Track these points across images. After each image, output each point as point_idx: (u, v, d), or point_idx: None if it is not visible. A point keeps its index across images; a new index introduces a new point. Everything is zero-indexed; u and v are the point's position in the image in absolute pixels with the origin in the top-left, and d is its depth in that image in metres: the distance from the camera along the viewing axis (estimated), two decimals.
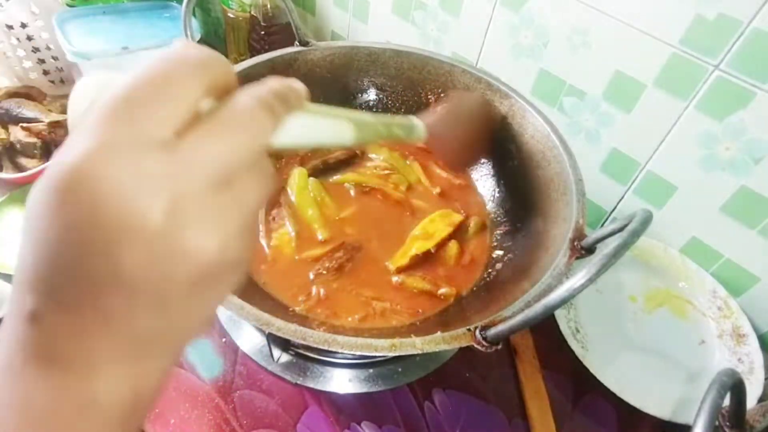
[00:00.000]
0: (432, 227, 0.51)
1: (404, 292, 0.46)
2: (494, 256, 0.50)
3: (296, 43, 0.55)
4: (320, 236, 0.50)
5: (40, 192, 0.15)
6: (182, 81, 0.16)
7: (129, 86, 0.16)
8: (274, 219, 0.51)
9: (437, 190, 0.56)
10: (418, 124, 0.36)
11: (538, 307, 0.28)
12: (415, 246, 0.49)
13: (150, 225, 0.15)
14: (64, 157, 0.15)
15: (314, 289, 0.45)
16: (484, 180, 0.57)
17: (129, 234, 0.15)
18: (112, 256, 0.15)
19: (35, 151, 0.64)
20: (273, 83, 0.19)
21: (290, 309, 0.44)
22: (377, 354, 0.31)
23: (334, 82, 0.59)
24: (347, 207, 0.53)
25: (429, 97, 0.59)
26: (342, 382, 0.47)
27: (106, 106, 0.15)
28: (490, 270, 0.49)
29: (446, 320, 0.44)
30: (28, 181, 0.62)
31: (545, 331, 0.52)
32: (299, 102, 0.20)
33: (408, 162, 0.59)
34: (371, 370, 0.48)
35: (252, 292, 0.43)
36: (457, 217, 0.52)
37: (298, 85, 0.20)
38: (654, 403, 0.47)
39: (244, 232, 0.17)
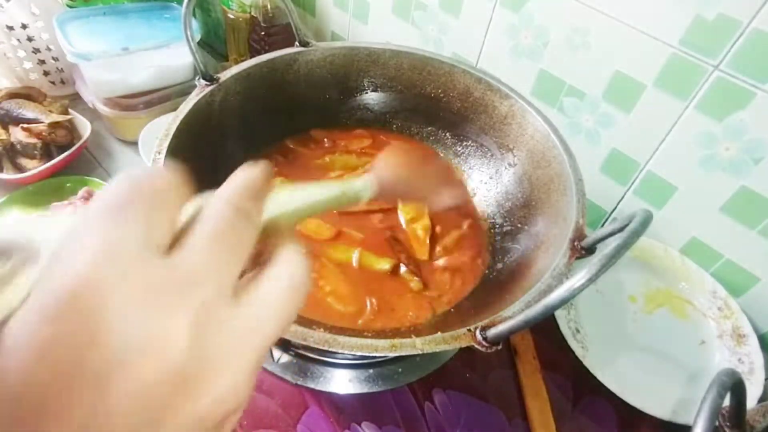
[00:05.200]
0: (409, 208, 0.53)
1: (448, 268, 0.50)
2: (494, 256, 0.50)
3: (296, 43, 0.55)
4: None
5: (36, 302, 0.12)
6: (167, 192, 0.15)
7: (119, 195, 0.14)
8: None
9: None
10: (367, 184, 0.31)
11: (538, 307, 0.28)
12: (421, 229, 0.51)
13: (173, 351, 0.12)
14: (61, 262, 0.12)
15: (368, 302, 0.46)
16: (484, 180, 0.57)
17: (138, 360, 0.11)
18: (102, 386, 0.11)
19: (35, 152, 0.64)
20: (238, 181, 0.16)
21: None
22: (377, 354, 0.31)
23: (334, 83, 0.59)
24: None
25: (430, 96, 0.59)
26: (342, 382, 0.47)
27: (100, 212, 0.13)
28: (490, 270, 0.49)
29: (446, 320, 0.44)
30: (29, 182, 0.62)
31: (545, 331, 0.52)
32: (267, 187, 0.18)
33: None
34: (371, 371, 0.48)
35: None
36: None
37: (259, 171, 0.18)
38: (654, 403, 0.47)
39: (259, 363, 0.15)
